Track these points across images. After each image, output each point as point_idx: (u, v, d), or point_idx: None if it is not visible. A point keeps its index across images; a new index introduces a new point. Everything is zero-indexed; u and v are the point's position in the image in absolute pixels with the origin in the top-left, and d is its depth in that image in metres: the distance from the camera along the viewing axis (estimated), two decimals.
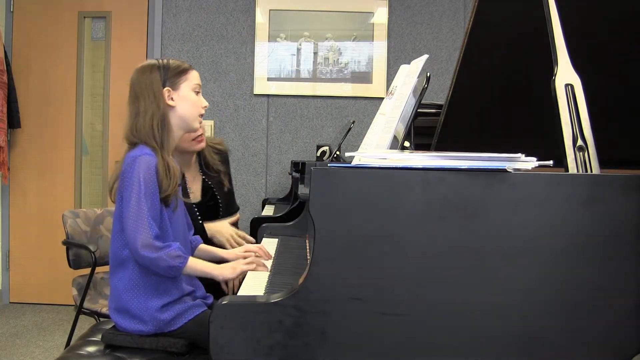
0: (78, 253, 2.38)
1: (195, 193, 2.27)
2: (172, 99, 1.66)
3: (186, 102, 1.68)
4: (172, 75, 1.67)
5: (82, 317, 2.37)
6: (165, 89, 1.65)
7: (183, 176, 2.19)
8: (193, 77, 1.71)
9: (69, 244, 2.38)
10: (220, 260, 1.77)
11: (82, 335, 1.77)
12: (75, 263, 2.40)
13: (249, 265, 1.64)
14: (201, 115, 1.74)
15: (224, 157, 2.39)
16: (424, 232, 1.13)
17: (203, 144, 2.24)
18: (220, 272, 1.62)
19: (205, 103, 1.75)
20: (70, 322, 3.54)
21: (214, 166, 2.32)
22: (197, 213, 2.22)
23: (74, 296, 2.45)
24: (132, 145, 1.64)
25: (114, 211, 1.63)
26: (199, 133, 2.20)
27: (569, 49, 1.26)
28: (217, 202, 2.29)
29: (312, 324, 1.15)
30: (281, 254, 1.89)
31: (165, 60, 1.70)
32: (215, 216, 2.28)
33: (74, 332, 2.43)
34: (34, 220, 3.98)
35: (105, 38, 3.97)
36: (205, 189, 2.29)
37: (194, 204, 2.23)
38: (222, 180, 2.33)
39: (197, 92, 1.72)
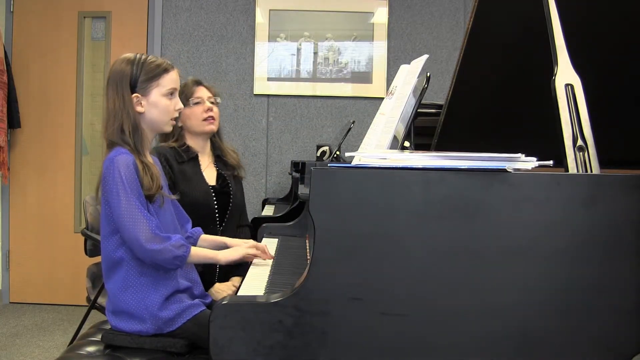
0: (96, 241, 2.35)
1: (210, 178, 2.32)
2: (141, 104, 1.64)
3: (156, 108, 1.66)
4: (144, 80, 1.63)
5: (80, 313, 2.37)
6: (134, 95, 1.63)
7: (200, 161, 2.27)
8: (166, 82, 1.66)
9: (87, 235, 2.35)
10: (223, 246, 1.80)
11: (82, 335, 1.77)
12: (92, 252, 2.38)
13: (252, 250, 1.68)
14: (174, 119, 1.71)
15: (240, 169, 2.44)
16: (424, 232, 1.13)
17: (213, 127, 2.30)
18: (223, 255, 1.67)
19: (180, 105, 1.71)
20: (70, 322, 3.55)
21: (229, 160, 2.38)
22: (213, 194, 2.27)
23: (88, 288, 2.43)
24: (109, 146, 1.64)
25: (101, 215, 1.63)
26: (208, 114, 2.27)
27: (569, 49, 1.26)
28: (229, 190, 2.33)
29: (312, 324, 1.15)
30: (281, 254, 1.89)
31: (140, 63, 1.65)
32: (227, 204, 2.31)
33: (83, 325, 2.42)
34: (34, 220, 3.98)
35: (105, 38, 3.97)
36: (220, 176, 2.34)
37: (210, 186, 2.28)
38: (235, 176, 2.38)
39: (171, 96, 1.67)
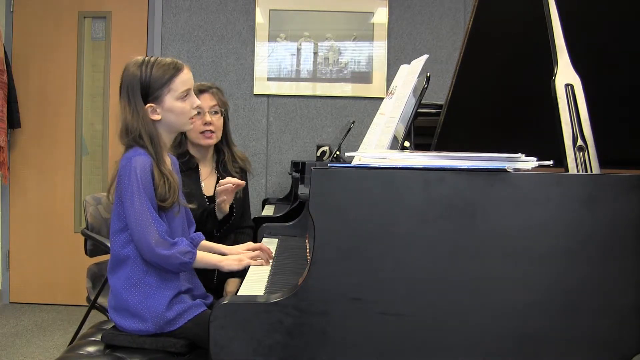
0: (97, 241, 2.34)
1: (209, 187, 2.28)
2: (156, 112, 1.63)
3: (172, 113, 1.64)
4: (155, 89, 1.61)
5: (80, 313, 2.36)
6: (148, 105, 1.61)
7: (200, 171, 2.24)
8: (178, 85, 1.63)
9: (87, 235, 2.34)
10: (221, 254, 1.79)
11: (82, 334, 1.77)
12: (92, 252, 2.37)
13: (254, 260, 1.68)
14: (192, 117, 1.69)
15: (242, 172, 2.39)
16: (424, 232, 1.13)
17: (210, 141, 2.24)
18: (226, 263, 1.66)
19: (197, 102, 1.69)
20: (70, 322, 3.55)
21: (231, 171, 2.32)
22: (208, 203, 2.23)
23: (88, 288, 2.42)
24: (128, 147, 1.63)
25: (112, 211, 1.64)
26: (206, 128, 2.20)
27: (569, 49, 1.26)
28: (231, 205, 2.27)
29: (312, 323, 1.15)
30: (281, 254, 1.89)
31: (149, 69, 1.61)
32: (227, 219, 2.27)
33: (83, 325, 2.41)
34: (34, 220, 3.98)
35: (105, 38, 3.97)
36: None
37: (206, 196, 2.24)
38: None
39: (185, 97, 1.65)
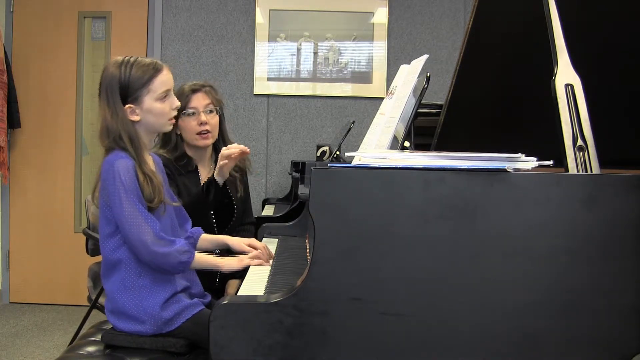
0: (97, 241, 2.34)
1: None
2: (135, 113, 1.61)
3: (151, 114, 1.62)
4: (134, 90, 1.60)
5: (80, 313, 2.37)
6: (127, 106, 1.60)
7: (200, 172, 2.21)
8: (157, 86, 1.61)
9: (88, 235, 2.33)
10: (224, 246, 1.80)
11: (82, 335, 1.77)
12: (93, 251, 2.37)
13: (254, 260, 1.67)
14: (171, 119, 1.67)
15: (242, 170, 2.35)
16: (424, 232, 1.13)
17: (207, 142, 2.19)
18: (226, 263, 1.66)
19: (176, 103, 1.67)
20: (70, 322, 3.56)
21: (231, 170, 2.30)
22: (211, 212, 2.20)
23: (89, 287, 2.43)
24: (108, 150, 1.61)
25: (99, 217, 1.62)
26: (203, 128, 2.15)
27: (569, 49, 1.26)
28: (232, 202, 2.26)
29: (312, 323, 1.15)
30: (281, 254, 1.89)
31: (127, 69, 1.60)
32: (229, 218, 2.27)
33: (83, 325, 2.41)
34: (34, 220, 3.98)
35: (105, 38, 3.98)
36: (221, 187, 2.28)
37: None
38: (237, 185, 2.28)
39: (164, 98, 1.64)
